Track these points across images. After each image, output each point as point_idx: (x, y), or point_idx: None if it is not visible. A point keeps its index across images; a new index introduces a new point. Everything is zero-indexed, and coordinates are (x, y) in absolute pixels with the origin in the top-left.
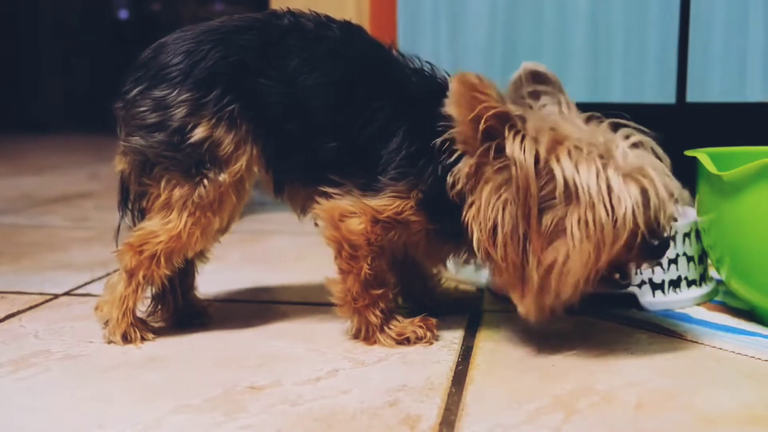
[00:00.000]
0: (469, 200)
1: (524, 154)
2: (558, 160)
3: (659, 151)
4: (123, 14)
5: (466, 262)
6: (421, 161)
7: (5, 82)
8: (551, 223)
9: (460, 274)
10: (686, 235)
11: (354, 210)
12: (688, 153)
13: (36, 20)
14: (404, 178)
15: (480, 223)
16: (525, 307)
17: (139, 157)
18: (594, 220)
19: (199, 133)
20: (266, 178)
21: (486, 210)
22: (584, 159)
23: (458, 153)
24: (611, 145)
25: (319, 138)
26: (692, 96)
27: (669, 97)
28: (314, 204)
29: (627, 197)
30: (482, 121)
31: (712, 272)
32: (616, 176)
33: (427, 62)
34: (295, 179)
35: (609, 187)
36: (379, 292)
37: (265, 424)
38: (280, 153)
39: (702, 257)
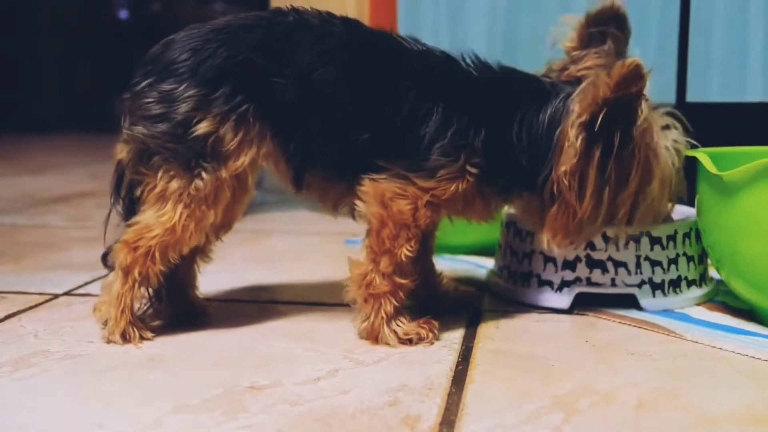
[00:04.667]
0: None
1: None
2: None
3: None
4: (123, 14)
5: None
6: (471, 132)
7: (5, 82)
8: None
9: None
10: (686, 235)
11: (404, 193)
12: (688, 153)
13: (36, 20)
14: (458, 152)
15: (571, 177)
16: (561, 243)
17: (139, 146)
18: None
19: (203, 127)
20: (287, 175)
21: (592, 173)
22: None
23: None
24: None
25: (351, 131)
26: (692, 96)
27: (669, 97)
28: (357, 186)
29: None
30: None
31: (712, 272)
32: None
33: (423, 43)
34: (329, 177)
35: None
36: (404, 281)
37: (265, 424)
38: (306, 150)
39: (702, 257)
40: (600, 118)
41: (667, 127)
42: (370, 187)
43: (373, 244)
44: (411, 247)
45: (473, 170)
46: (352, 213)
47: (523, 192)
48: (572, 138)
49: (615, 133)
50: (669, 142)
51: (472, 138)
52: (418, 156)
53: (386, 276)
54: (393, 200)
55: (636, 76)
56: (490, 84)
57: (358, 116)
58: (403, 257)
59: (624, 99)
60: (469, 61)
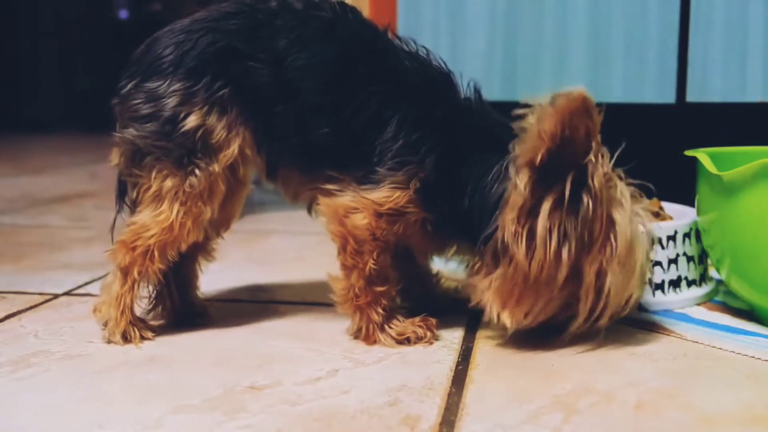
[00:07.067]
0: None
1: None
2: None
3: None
4: (123, 14)
5: (456, 254)
6: (422, 149)
7: (5, 82)
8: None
9: (452, 270)
10: (686, 235)
11: (356, 206)
12: (688, 153)
13: (36, 20)
14: (403, 167)
15: (518, 225)
16: (513, 316)
17: (129, 147)
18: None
19: (191, 121)
20: (259, 160)
21: (543, 226)
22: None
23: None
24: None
25: (312, 121)
26: (692, 96)
27: (669, 97)
28: (316, 201)
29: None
30: (576, 147)
31: (712, 272)
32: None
33: (422, 47)
34: (289, 163)
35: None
36: (383, 289)
37: (265, 424)
38: (272, 136)
39: (702, 257)
40: (545, 156)
41: (635, 201)
42: (325, 204)
43: (342, 260)
44: (376, 259)
45: (417, 184)
46: (309, 207)
47: (463, 244)
48: (517, 181)
49: (566, 179)
50: (640, 217)
51: (423, 155)
52: (369, 167)
53: (363, 288)
54: (348, 216)
55: (583, 110)
56: (460, 115)
57: (321, 109)
58: (370, 271)
59: (572, 138)
60: (456, 83)
